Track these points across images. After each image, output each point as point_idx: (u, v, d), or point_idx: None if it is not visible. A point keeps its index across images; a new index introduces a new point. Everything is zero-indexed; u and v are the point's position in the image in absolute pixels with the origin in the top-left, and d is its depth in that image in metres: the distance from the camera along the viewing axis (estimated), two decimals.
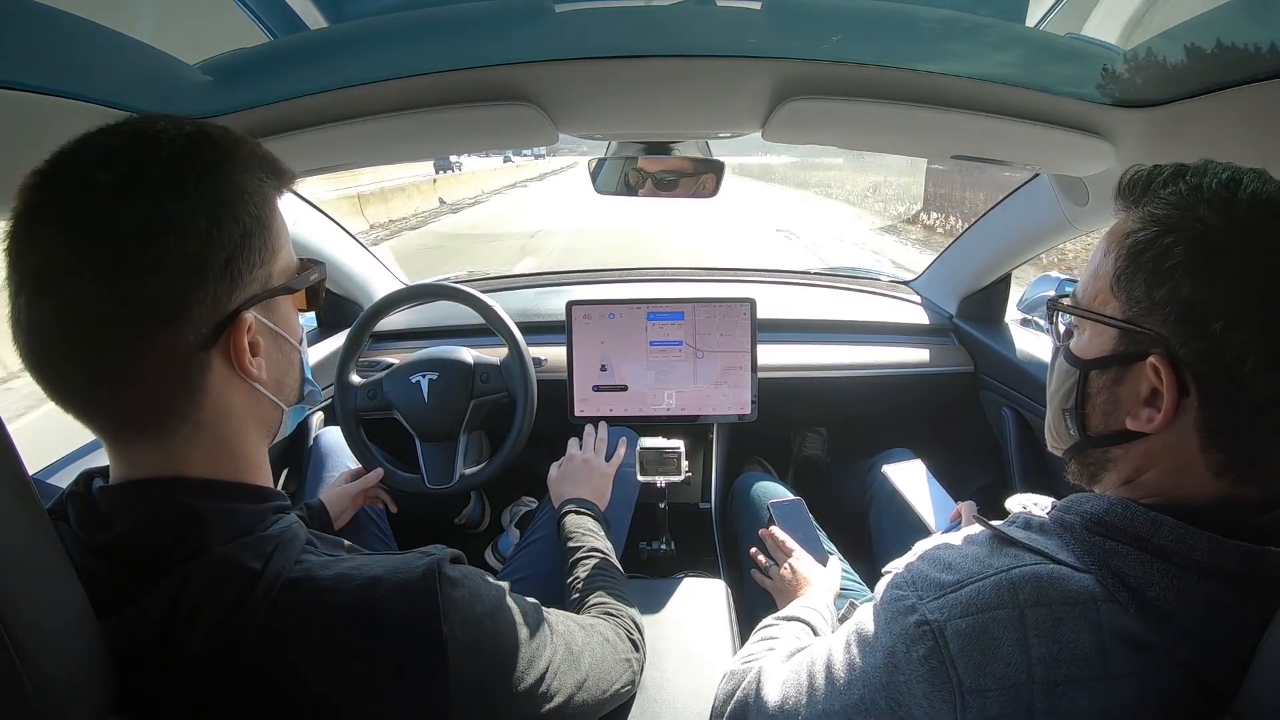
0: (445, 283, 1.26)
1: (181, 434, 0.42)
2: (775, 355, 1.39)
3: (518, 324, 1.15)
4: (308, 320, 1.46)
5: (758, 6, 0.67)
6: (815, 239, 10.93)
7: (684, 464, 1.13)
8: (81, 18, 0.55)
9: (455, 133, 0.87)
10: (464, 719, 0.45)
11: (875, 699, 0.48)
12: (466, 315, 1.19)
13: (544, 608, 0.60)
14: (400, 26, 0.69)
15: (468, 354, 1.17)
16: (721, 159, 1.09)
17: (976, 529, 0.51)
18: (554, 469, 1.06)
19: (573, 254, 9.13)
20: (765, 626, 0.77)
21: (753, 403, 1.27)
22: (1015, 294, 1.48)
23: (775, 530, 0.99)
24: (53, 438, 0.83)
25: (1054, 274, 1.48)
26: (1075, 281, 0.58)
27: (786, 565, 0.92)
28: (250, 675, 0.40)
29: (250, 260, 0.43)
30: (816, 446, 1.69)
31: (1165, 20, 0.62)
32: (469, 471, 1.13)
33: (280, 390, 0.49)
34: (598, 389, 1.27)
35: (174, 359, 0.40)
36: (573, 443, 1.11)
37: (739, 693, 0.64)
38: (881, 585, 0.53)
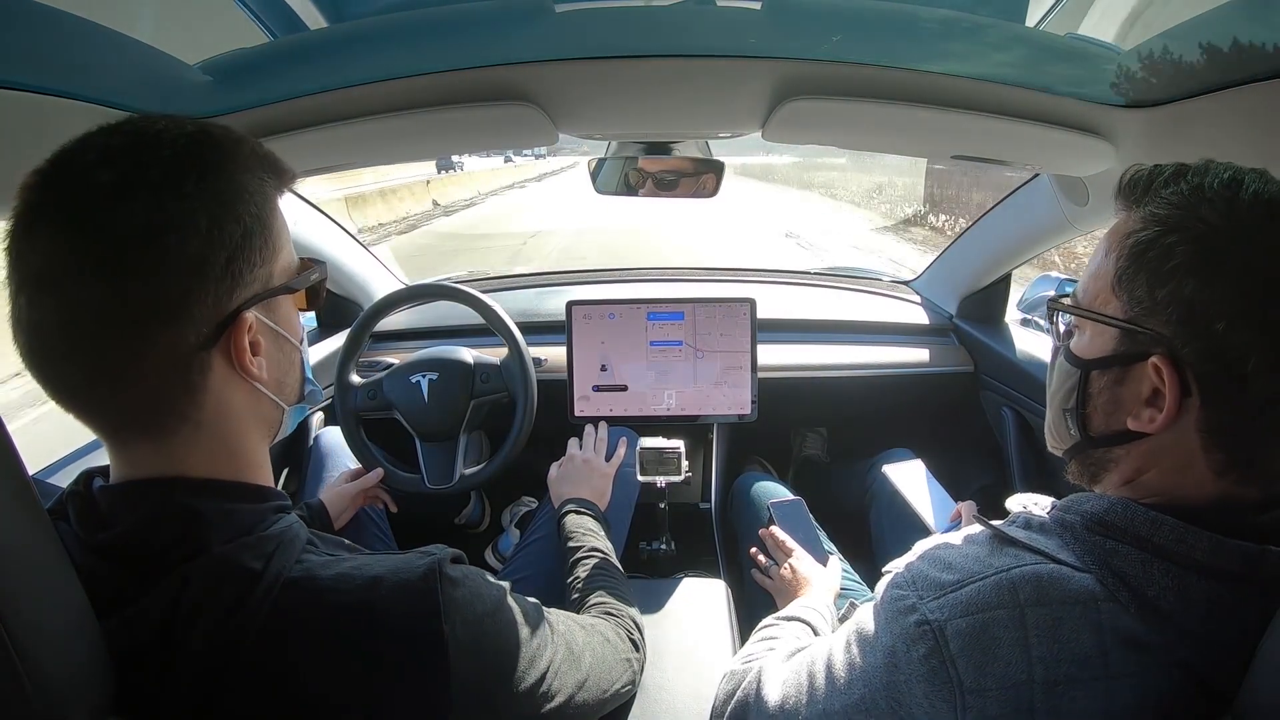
0: (445, 283, 1.26)
1: (182, 434, 0.42)
2: (775, 355, 1.39)
3: (518, 324, 1.15)
4: (307, 320, 1.46)
5: (758, 6, 0.67)
6: (824, 243, 10.73)
7: (684, 464, 1.13)
8: (81, 18, 0.55)
9: (455, 133, 0.87)
10: (464, 719, 0.45)
11: (875, 698, 0.48)
12: (466, 315, 1.19)
13: (545, 608, 0.60)
14: (400, 26, 0.69)
15: (468, 354, 1.17)
16: (723, 159, 1.09)
17: (977, 529, 0.51)
18: (554, 469, 1.06)
19: (570, 259, 8.99)
20: (765, 626, 0.77)
21: (753, 403, 1.27)
22: (1015, 294, 1.48)
23: (775, 530, 0.99)
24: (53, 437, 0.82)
25: (1054, 274, 1.48)
26: (1075, 281, 0.58)
27: (786, 565, 0.92)
28: (250, 675, 0.40)
29: (251, 260, 0.43)
30: (816, 446, 1.69)
31: (1165, 20, 0.62)
32: (469, 471, 1.13)
33: (281, 390, 0.49)
34: (598, 389, 1.27)
35: (174, 359, 0.40)
36: (573, 443, 1.11)
37: (739, 693, 0.64)
38: (882, 585, 0.53)
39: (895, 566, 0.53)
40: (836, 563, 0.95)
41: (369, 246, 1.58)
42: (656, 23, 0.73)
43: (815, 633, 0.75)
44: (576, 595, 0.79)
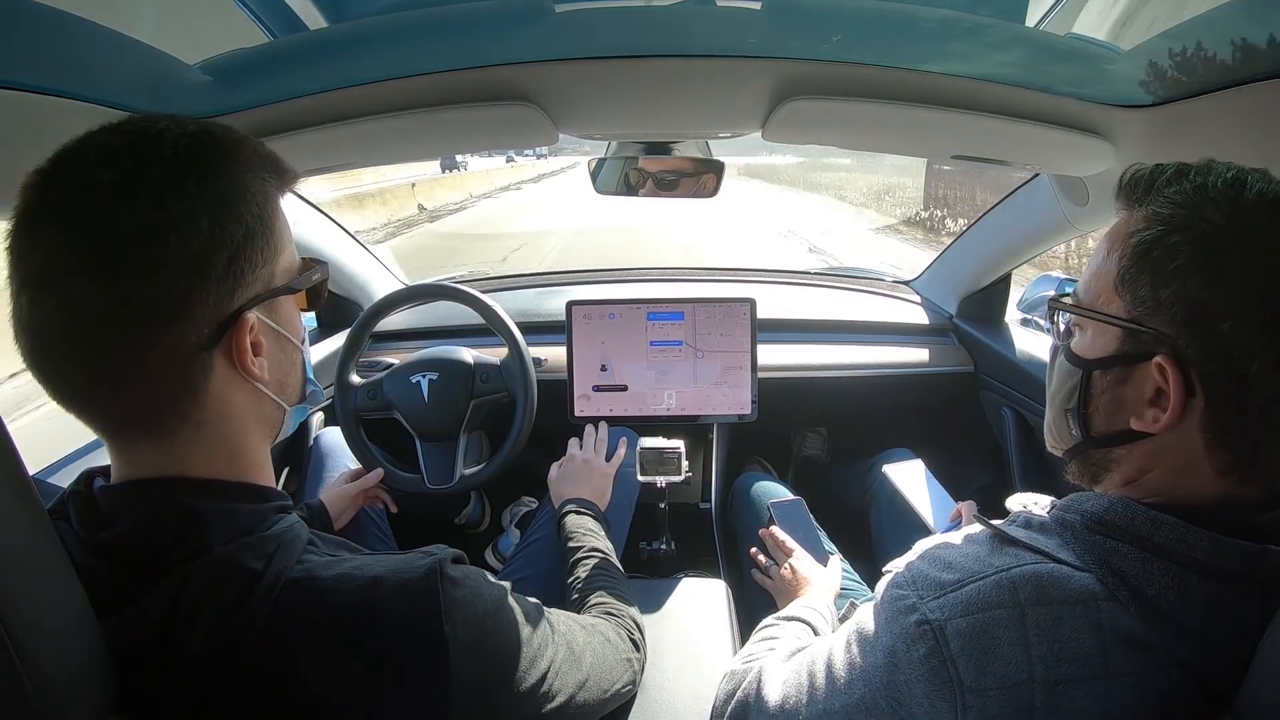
0: (445, 283, 1.26)
1: (183, 434, 0.42)
2: (775, 355, 1.39)
3: (518, 324, 1.15)
4: (307, 320, 1.46)
5: (758, 6, 0.67)
6: (835, 245, 10.48)
7: (684, 464, 1.13)
8: (82, 18, 0.55)
9: (455, 133, 0.87)
10: (465, 719, 0.45)
11: (876, 698, 0.48)
12: (466, 315, 1.19)
13: (545, 608, 0.60)
14: (400, 26, 0.69)
15: (468, 354, 1.17)
16: (727, 159, 1.09)
17: (977, 528, 0.51)
18: (554, 469, 1.06)
19: (569, 262, 8.87)
20: (765, 626, 0.77)
21: (753, 403, 1.27)
22: (1015, 294, 1.48)
23: (775, 530, 0.99)
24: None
25: (1054, 274, 1.48)
26: (1075, 281, 0.58)
27: (787, 565, 0.92)
28: (251, 675, 0.40)
29: (253, 260, 0.43)
30: (816, 446, 1.69)
31: (1165, 20, 0.62)
32: (469, 471, 1.13)
33: (282, 390, 0.49)
34: (598, 389, 1.27)
35: (176, 359, 0.40)
36: (573, 443, 1.11)
37: (739, 692, 0.64)
38: (882, 584, 0.53)
39: (895, 566, 0.53)
40: (836, 563, 0.95)
41: (369, 247, 1.58)
42: (656, 23, 0.73)
43: (815, 633, 0.75)
44: (577, 595, 0.79)
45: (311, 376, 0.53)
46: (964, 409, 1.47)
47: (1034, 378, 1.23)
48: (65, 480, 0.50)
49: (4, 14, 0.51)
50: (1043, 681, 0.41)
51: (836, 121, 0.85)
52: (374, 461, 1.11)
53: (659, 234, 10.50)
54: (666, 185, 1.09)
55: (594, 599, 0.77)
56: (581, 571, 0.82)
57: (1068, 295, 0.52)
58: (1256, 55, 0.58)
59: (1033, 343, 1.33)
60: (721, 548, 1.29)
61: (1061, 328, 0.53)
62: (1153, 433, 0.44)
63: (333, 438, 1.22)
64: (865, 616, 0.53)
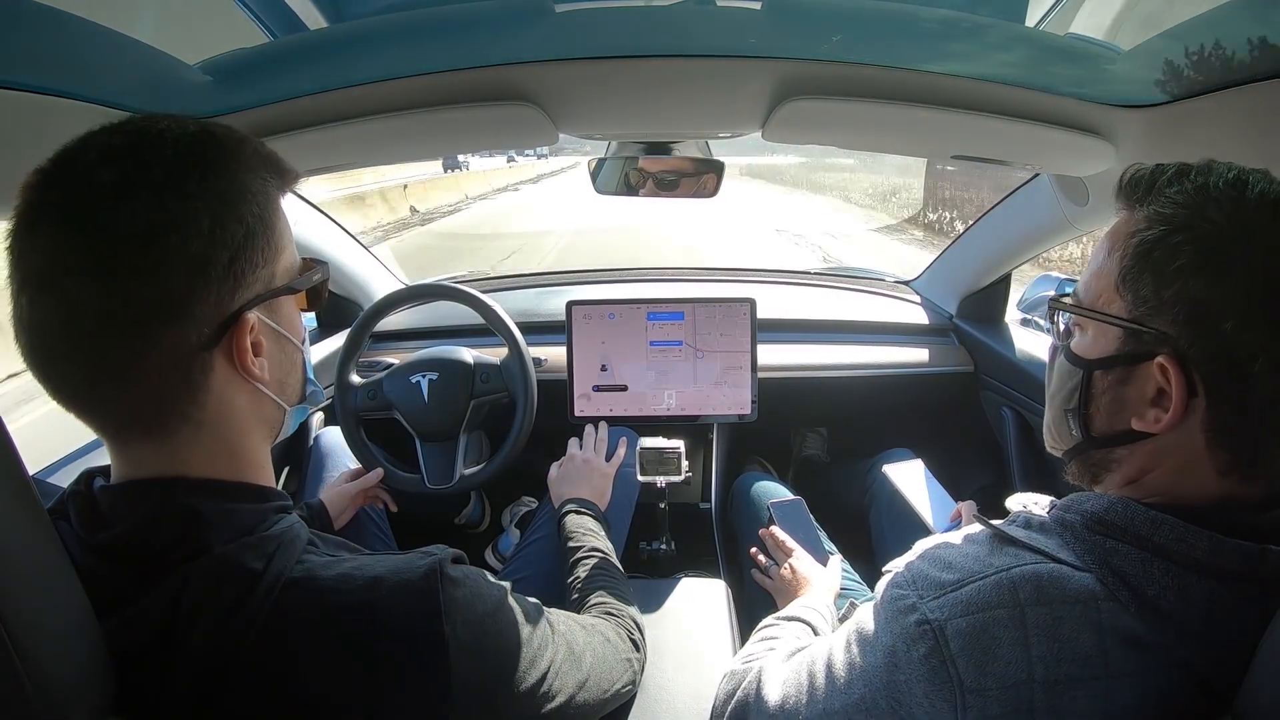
0: (445, 283, 1.26)
1: (183, 434, 0.42)
2: (775, 355, 1.39)
3: (518, 324, 1.15)
4: (307, 320, 1.46)
5: (758, 6, 0.67)
6: (841, 247, 10.25)
7: (684, 464, 1.13)
8: (82, 18, 0.55)
9: (456, 133, 0.87)
10: (465, 719, 0.45)
11: (876, 698, 0.48)
12: (466, 315, 1.19)
13: (545, 608, 0.60)
14: (400, 26, 0.69)
15: (468, 354, 1.17)
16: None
17: (977, 528, 0.51)
18: (554, 469, 1.06)
19: (567, 264, 8.82)
20: (765, 626, 0.77)
21: (753, 403, 1.27)
22: (1015, 294, 1.48)
23: (775, 530, 0.99)
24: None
25: (1054, 274, 1.48)
26: (1075, 281, 0.58)
27: (787, 565, 0.92)
28: (251, 675, 0.40)
29: (253, 260, 0.43)
30: (816, 446, 1.69)
31: (1165, 20, 0.62)
32: (469, 471, 1.13)
33: (282, 390, 0.49)
34: (598, 389, 1.27)
35: (176, 359, 0.40)
36: (573, 443, 1.11)
37: (739, 692, 0.64)
38: (882, 584, 0.53)
39: (895, 566, 0.53)
40: (837, 563, 0.95)
41: (369, 247, 1.58)
42: (656, 23, 0.73)
43: (815, 633, 0.75)
44: (577, 595, 0.79)
45: (312, 376, 0.53)
46: (964, 409, 1.47)
47: (1034, 378, 1.23)
48: (65, 480, 0.50)
49: (4, 14, 0.51)
50: (1043, 681, 0.41)
51: (836, 121, 0.85)
52: (374, 461, 1.11)
53: (659, 234, 10.47)
54: (666, 185, 1.09)
55: (594, 599, 0.77)
56: (581, 571, 0.82)
57: (1068, 295, 0.52)
58: (1256, 55, 0.58)
59: (1033, 343, 1.33)
60: (721, 548, 1.29)
61: (1061, 328, 0.53)
62: (1154, 433, 0.44)
63: (333, 438, 1.22)
64: (865, 616, 0.53)
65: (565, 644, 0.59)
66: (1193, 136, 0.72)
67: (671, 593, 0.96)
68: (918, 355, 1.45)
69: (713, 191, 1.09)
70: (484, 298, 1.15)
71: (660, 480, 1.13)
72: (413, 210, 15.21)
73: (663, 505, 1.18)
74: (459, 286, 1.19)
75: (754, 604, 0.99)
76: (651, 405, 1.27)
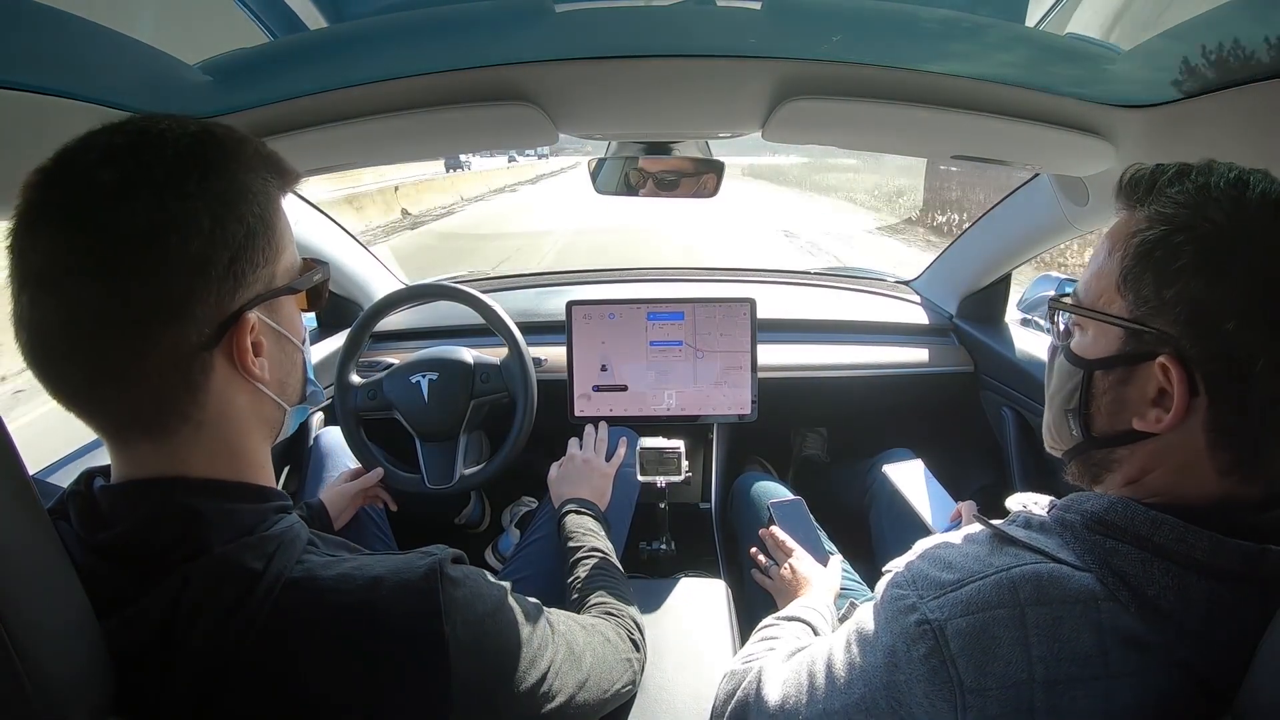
0: (445, 283, 1.26)
1: (183, 434, 0.42)
2: (775, 355, 1.39)
3: (518, 324, 1.15)
4: (307, 320, 1.46)
5: (757, 6, 0.67)
6: (853, 254, 9.94)
7: (684, 464, 1.13)
8: (82, 18, 0.55)
9: (456, 133, 0.87)
10: (465, 719, 0.45)
11: (876, 698, 0.48)
12: (466, 315, 1.19)
13: (545, 608, 0.60)
14: (400, 26, 0.69)
15: (468, 354, 1.18)
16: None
17: (977, 528, 0.51)
18: (554, 469, 1.06)
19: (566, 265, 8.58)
20: (765, 626, 0.77)
21: (753, 403, 1.27)
22: (1015, 294, 1.48)
23: (775, 530, 0.99)
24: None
25: (1054, 274, 1.48)
26: (1075, 281, 0.58)
27: (787, 565, 0.92)
28: (251, 675, 0.40)
29: (254, 260, 0.43)
30: (816, 446, 1.69)
31: (1165, 20, 0.62)
32: (469, 471, 1.13)
33: (283, 390, 0.49)
34: (598, 389, 1.27)
35: (176, 359, 0.40)
36: (573, 443, 1.11)
37: (739, 692, 0.64)
38: (882, 584, 0.53)
39: (895, 566, 0.53)
40: (837, 563, 0.95)
41: (369, 246, 1.58)
42: (656, 23, 0.73)
43: (815, 633, 0.75)
44: (577, 595, 0.79)
45: (312, 377, 0.53)
46: (964, 409, 1.47)
47: (1034, 378, 1.23)
48: (65, 480, 0.50)
49: (4, 14, 0.51)
50: (1043, 681, 0.41)
51: (836, 121, 0.85)
52: (374, 461, 1.11)
53: (659, 235, 10.43)
54: (666, 185, 1.09)
55: (594, 599, 0.77)
56: (581, 571, 0.82)
57: (1068, 295, 0.52)
58: (1256, 55, 0.58)
59: (1033, 343, 1.33)
60: (721, 548, 1.29)
61: (1061, 328, 0.53)
62: (1155, 433, 0.44)
63: (333, 438, 1.22)
64: (865, 616, 0.53)
65: (565, 644, 0.59)
66: (1193, 136, 0.72)
67: (671, 593, 0.96)
68: (918, 355, 1.45)
69: (713, 191, 1.09)
70: (484, 298, 1.15)
71: (660, 480, 1.13)
72: (404, 213, 14.65)
73: (663, 505, 1.18)
74: (459, 286, 1.19)
75: (754, 604, 0.99)
76: (651, 405, 1.27)
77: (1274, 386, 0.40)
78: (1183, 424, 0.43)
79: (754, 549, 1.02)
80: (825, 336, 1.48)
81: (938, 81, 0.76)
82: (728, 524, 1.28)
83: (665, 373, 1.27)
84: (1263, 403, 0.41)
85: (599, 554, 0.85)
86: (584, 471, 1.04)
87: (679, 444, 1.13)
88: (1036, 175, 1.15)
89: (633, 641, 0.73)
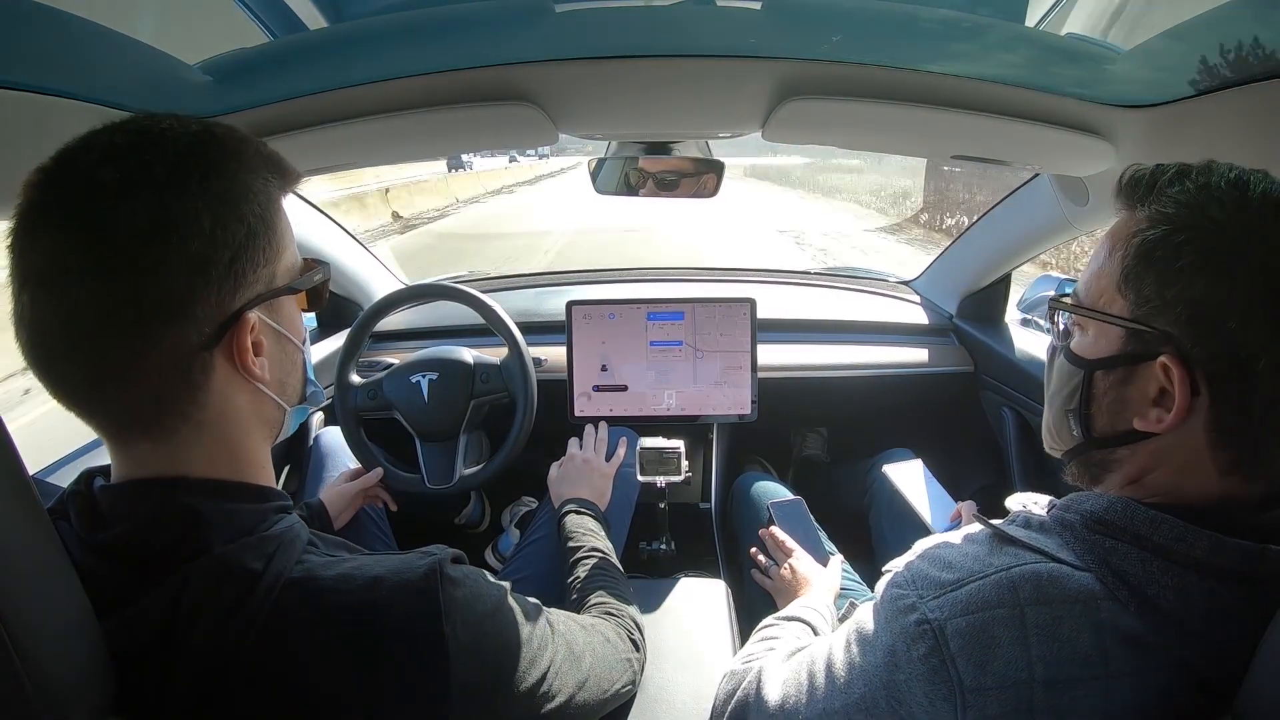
0: (445, 283, 1.26)
1: (183, 434, 0.42)
2: (775, 355, 1.39)
3: (518, 324, 1.15)
4: (307, 320, 1.46)
5: (757, 6, 0.67)
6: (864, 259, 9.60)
7: (684, 464, 1.13)
8: (83, 18, 0.55)
9: (456, 133, 0.87)
10: (465, 719, 0.45)
11: (876, 698, 0.48)
12: (466, 315, 1.20)
13: (545, 608, 0.60)
14: (400, 26, 0.69)
15: (468, 354, 1.18)
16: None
17: (976, 528, 0.51)
18: (554, 469, 1.06)
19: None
20: (765, 626, 0.77)
21: (753, 403, 1.27)
22: (1015, 294, 1.48)
23: (775, 530, 0.99)
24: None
25: (1054, 274, 1.48)
26: (1075, 281, 0.58)
27: (787, 565, 0.92)
28: (251, 675, 0.40)
29: (254, 260, 0.43)
30: (816, 446, 1.69)
31: (1165, 20, 0.62)
32: (469, 472, 1.13)
33: (283, 391, 0.49)
34: (598, 389, 1.27)
35: (176, 358, 0.40)
36: (573, 443, 1.11)
37: (739, 692, 0.64)
38: (882, 584, 0.53)
39: (895, 566, 0.53)
40: (837, 563, 0.95)
41: (368, 246, 1.58)
42: (656, 23, 0.73)
43: (815, 633, 0.75)
44: (576, 595, 0.79)
45: (312, 377, 0.53)
46: (964, 409, 1.47)
47: (1034, 378, 1.23)
48: (65, 480, 0.50)
49: (4, 14, 0.51)
50: (1043, 681, 0.41)
51: (836, 121, 0.85)
52: (374, 461, 1.11)
53: (659, 235, 10.40)
54: (667, 185, 1.09)
55: (594, 599, 0.77)
56: (581, 571, 0.82)
57: (1068, 295, 0.52)
58: (1256, 55, 0.58)
59: (1033, 343, 1.33)
60: (721, 548, 1.29)
61: (1061, 328, 0.53)
62: (1157, 432, 0.44)
63: (333, 438, 1.22)
64: (865, 616, 0.53)
65: (565, 644, 0.59)
66: (1193, 136, 0.72)
67: (671, 593, 0.96)
68: (918, 355, 1.45)
69: (713, 191, 1.09)
70: (484, 298, 1.15)
71: (660, 480, 1.13)
72: (395, 216, 13.91)
73: (663, 505, 1.18)
74: (459, 286, 1.19)
75: (754, 604, 0.99)
76: (651, 405, 1.27)
77: (1275, 386, 0.40)
78: (1184, 424, 0.43)
79: (754, 549, 1.02)
80: (825, 336, 1.48)
81: (938, 81, 0.76)
82: (728, 524, 1.28)
83: (665, 373, 1.27)
84: (1264, 402, 0.41)
85: (599, 554, 0.85)
86: (584, 471, 1.04)
87: (679, 444, 1.13)
88: (1036, 175, 1.16)
89: (632, 641, 0.73)
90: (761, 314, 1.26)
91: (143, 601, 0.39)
